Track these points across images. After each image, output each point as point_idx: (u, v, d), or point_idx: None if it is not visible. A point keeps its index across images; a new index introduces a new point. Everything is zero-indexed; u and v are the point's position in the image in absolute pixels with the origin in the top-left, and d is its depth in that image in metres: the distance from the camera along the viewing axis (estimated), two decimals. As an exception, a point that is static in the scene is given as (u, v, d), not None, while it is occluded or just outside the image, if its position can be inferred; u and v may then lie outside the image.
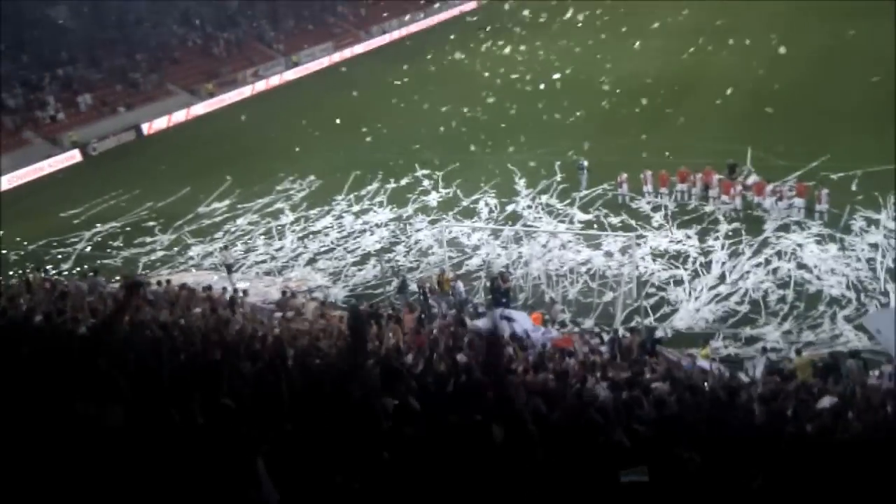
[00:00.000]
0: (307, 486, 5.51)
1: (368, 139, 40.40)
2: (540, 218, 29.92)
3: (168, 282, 22.91)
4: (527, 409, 11.54)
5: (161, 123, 52.99)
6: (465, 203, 32.11)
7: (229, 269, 27.20)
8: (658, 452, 9.46)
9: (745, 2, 62.85)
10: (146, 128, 52.03)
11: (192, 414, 5.34)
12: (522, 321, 19.32)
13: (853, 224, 26.08)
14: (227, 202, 35.24)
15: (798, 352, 18.22)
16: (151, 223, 33.81)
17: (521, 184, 33.12)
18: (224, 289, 22.78)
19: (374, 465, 5.91)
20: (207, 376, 10.53)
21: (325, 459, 5.73)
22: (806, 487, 7.46)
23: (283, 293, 23.13)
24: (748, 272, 24.00)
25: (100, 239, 32.80)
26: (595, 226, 28.36)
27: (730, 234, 26.65)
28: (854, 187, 28.37)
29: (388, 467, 6.04)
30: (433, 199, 32.93)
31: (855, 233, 25.53)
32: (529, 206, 30.98)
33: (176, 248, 31.01)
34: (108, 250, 31.37)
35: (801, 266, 23.95)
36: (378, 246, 29.04)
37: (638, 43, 47.97)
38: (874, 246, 24.47)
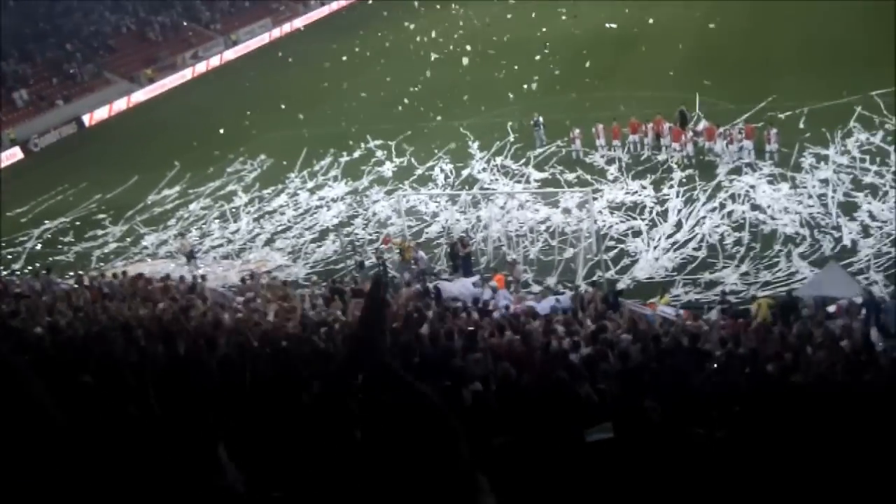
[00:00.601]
0: (276, 468, 5.43)
1: (317, 114, 39.81)
2: (496, 180, 29.86)
3: (124, 273, 22.43)
4: (493, 374, 11.64)
5: (102, 114, 51.70)
6: (420, 171, 31.90)
7: (189, 256, 26.70)
8: (624, 404, 9.57)
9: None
10: (87, 119, 50.73)
11: (150, 405, 5.20)
12: (461, 288, 19.44)
13: (803, 161, 26.45)
14: (177, 188, 34.58)
15: (753, 296, 18.53)
16: (102, 216, 33.07)
17: (474, 147, 32.97)
18: (182, 277, 22.38)
19: (346, 441, 5.84)
20: (169, 368, 10.37)
21: (292, 440, 5.64)
22: (768, 430, 7.57)
23: (243, 279, 22.81)
24: (704, 217, 24.27)
25: (50, 236, 32.03)
26: (551, 184, 28.38)
27: (684, 181, 26.88)
28: (802, 125, 28.74)
29: (360, 443, 5.98)
30: (388, 169, 32.66)
31: (805, 170, 25.92)
32: (485, 169, 30.89)
33: (129, 239, 30.40)
34: (60, 246, 30.65)
35: (754, 207, 24.29)
36: (336, 221, 28.77)
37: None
38: (825, 182, 24.87)
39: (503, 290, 20.29)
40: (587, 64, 38.58)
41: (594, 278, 21.66)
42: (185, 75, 58.37)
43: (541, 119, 32.14)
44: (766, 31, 40.68)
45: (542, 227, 25.05)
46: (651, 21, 44.18)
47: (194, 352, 13.09)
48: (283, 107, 41.04)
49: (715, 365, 12.50)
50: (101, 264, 28.12)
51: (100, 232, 31.49)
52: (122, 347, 13.07)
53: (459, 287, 19.52)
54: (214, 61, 61.17)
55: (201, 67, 59.95)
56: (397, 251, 24.25)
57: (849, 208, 23.18)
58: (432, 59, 41.75)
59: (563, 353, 13.23)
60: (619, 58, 40.49)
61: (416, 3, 53.55)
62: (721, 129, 28.53)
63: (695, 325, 16.03)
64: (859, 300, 17.01)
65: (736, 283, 20.62)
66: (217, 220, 30.70)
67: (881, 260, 20.32)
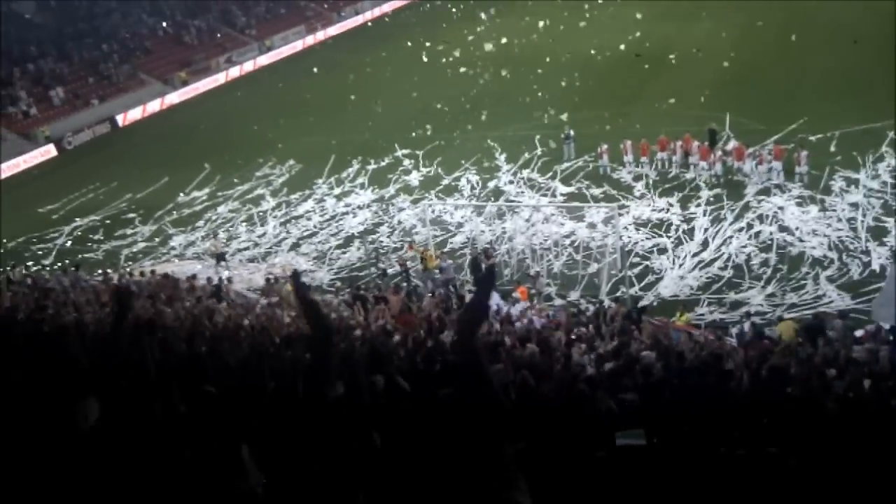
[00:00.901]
0: (294, 469, 5.48)
1: (346, 122, 40.11)
2: (522, 192, 29.88)
3: (152, 272, 22.74)
4: (513, 383, 11.64)
5: (136, 114, 52.39)
6: (446, 181, 32.01)
7: (219, 258, 26.94)
8: (647, 420, 9.54)
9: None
10: (121, 119, 51.44)
11: (174, 404, 5.28)
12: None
13: (833, 185, 26.20)
14: (206, 190, 34.97)
15: (780, 317, 18.35)
16: (131, 215, 33.52)
17: (501, 159, 33.03)
18: (209, 279, 22.65)
19: (364, 445, 5.89)
20: (191, 367, 10.48)
21: (310, 442, 5.69)
22: (792, 451, 7.53)
23: (268, 280, 23.02)
24: (731, 237, 24.11)
25: (80, 233, 32.49)
26: (577, 198, 28.33)
27: (711, 200, 26.73)
28: (833, 148, 28.49)
29: (379, 447, 6.02)
30: (414, 178, 32.81)
31: (835, 193, 25.67)
32: (511, 182, 30.93)
33: (157, 239, 30.78)
34: (89, 244, 31.10)
35: (782, 229, 24.08)
36: (361, 228, 28.95)
37: (614, 15, 47.88)
38: (854, 206, 24.62)
39: (525, 302, 20.32)
40: (619, 80, 38.60)
41: (618, 294, 21.58)
42: (218, 79, 59.04)
43: (572, 133, 32.21)
44: (800, 54, 40.28)
45: (567, 242, 25.01)
46: (684, 40, 44.23)
47: (216, 352, 13.24)
48: (314, 113, 41.45)
49: (738, 384, 12.38)
50: (130, 263, 28.49)
51: (129, 231, 31.91)
52: (146, 345, 13.25)
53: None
54: (248, 66, 61.82)
55: (235, 72, 60.61)
56: (420, 259, 24.35)
57: (878, 233, 22.91)
58: (461, 71, 42.01)
59: (583, 367, 13.24)
60: (650, 75, 40.36)
61: (451, 14, 54.00)
62: (750, 150, 28.35)
63: (719, 344, 15.92)
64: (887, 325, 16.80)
65: (762, 304, 20.45)
66: (244, 224, 30.99)
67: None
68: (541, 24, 46.68)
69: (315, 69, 52.61)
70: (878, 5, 45.42)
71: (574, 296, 22.02)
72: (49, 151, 46.73)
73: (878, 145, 27.99)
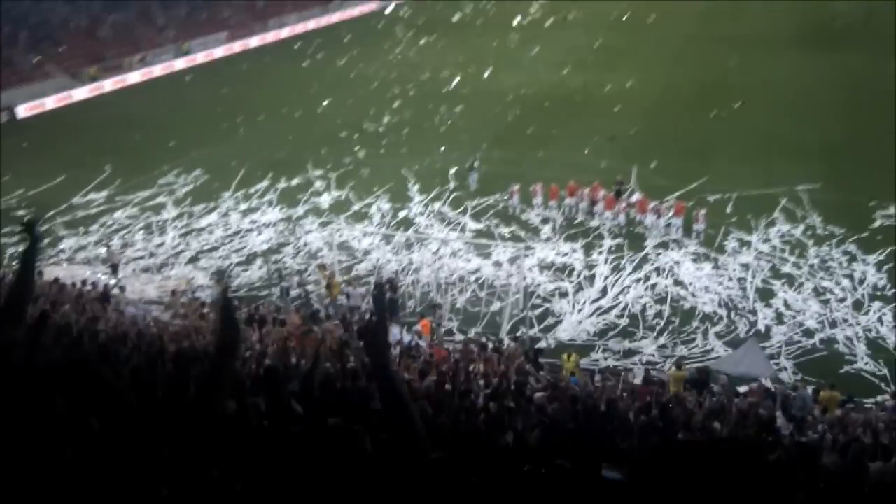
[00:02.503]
0: (185, 486, 5.24)
1: (260, 136, 39.46)
2: (432, 225, 30.00)
3: (40, 274, 21.56)
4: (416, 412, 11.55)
5: (37, 107, 50.03)
6: (357, 207, 31.81)
7: (114, 268, 25.77)
8: (537, 458, 9.60)
9: (640, 29, 65.44)
10: (21, 110, 49.02)
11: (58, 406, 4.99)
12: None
13: (727, 244, 27.40)
14: (104, 193, 33.63)
15: (679, 366, 18.91)
16: (21, 212, 31.77)
17: (414, 190, 33.12)
18: (94, 284, 21.70)
19: (250, 465, 5.69)
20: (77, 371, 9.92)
21: (198, 459, 5.47)
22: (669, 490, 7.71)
23: (173, 292, 22.24)
24: (629, 287, 24.82)
25: (-37, 227, 30.57)
26: (486, 235, 28.65)
27: (613, 248, 27.50)
28: (729, 209, 29.84)
29: (266, 468, 5.83)
30: (325, 200, 32.47)
31: (728, 253, 26.84)
32: (422, 213, 31.02)
33: (47, 240, 29.26)
34: (-27, 238, 29.29)
35: (677, 283, 24.96)
36: (265, 246, 28.37)
37: (535, 58, 49.19)
38: (745, 266, 25.79)
39: (427, 335, 20.30)
40: (535, 122, 39.52)
41: (518, 334, 21.82)
42: (129, 79, 57.18)
43: (476, 164, 32.87)
44: (709, 114, 42.18)
45: (473, 278, 25.21)
46: (599, 88, 45.78)
47: (103, 360, 12.61)
48: (225, 124, 40.62)
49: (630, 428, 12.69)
50: (15, 263, 26.93)
51: (17, 228, 30.14)
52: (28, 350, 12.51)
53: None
54: (162, 69, 60.14)
55: (148, 73, 58.87)
56: (325, 284, 24.02)
57: (765, 295, 24.05)
58: (382, 97, 42.21)
59: (479, 403, 13.27)
60: (567, 121, 41.44)
61: (381, 39, 54.20)
62: (653, 204, 29.39)
63: (612, 389, 16.28)
64: (768, 384, 17.60)
65: (653, 353, 21.08)
66: (142, 232, 29.87)
67: (792, 348, 21.07)
68: (469, 60, 47.66)
69: (232, 78, 51.80)
70: (790, 68, 48.48)
71: (475, 332, 22.12)
72: (-64, 136, 44.00)
73: (771, 210, 29.50)
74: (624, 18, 66.31)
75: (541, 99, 44.58)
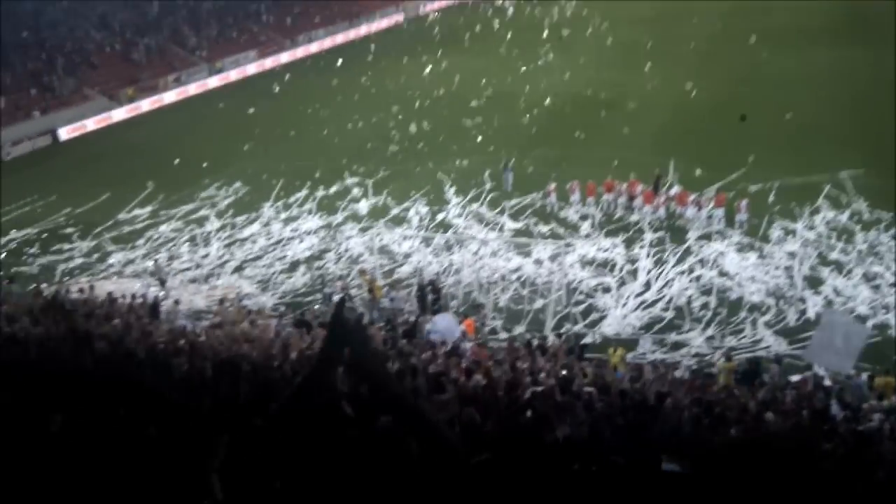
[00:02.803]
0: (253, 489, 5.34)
1: (296, 147, 39.89)
2: (470, 226, 30.03)
3: (91, 288, 22.07)
4: (458, 417, 11.56)
5: (79, 129, 51.17)
6: (395, 211, 31.99)
7: (162, 282, 26.26)
8: (588, 454, 9.58)
9: (671, 25, 64.91)
10: (63, 133, 50.19)
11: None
12: (445, 327, 19.35)
13: (771, 233, 27.00)
14: (149, 208, 34.28)
15: (729, 357, 18.64)
16: (70, 230, 32.57)
17: (451, 192, 33.19)
18: (145, 296, 22.14)
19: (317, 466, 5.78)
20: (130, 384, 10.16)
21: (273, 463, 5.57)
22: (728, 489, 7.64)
23: (221, 302, 22.60)
24: (672, 280, 24.58)
25: (15, 246, 31.41)
26: (525, 234, 28.59)
27: (654, 242, 27.26)
28: (771, 198, 29.40)
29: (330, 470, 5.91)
30: (363, 206, 32.71)
31: (773, 242, 26.44)
32: (460, 215, 31.08)
33: (95, 255, 29.93)
34: (24, 257, 30.07)
35: (722, 274, 24.66)
36: (307, 253, 28.66)
37: (565, 59, 49.03)
38: (791, 255, 25.38)
39: (471, 335, 20.32)
40: (569, 121, 39.40)
41: (562, 330, 21.74)
42: (165, 98, 58.22)
43: (511, 164, 33.05)
44: (745, 106, 41.63)
45: (514, 277, 25.18)
46: (633, 86, 45.49)
47: (155, 370, 12.88)
48: (262, 137, 41.16)
49: (680, 423, 12.54)
50: (66, 278, 27.62)
51: (66, 246, 30.97)
52: (81, 360, 12.81)
53: (447, 323, 19.47)
54: (196, 87, 61.14)
55: (183, 92, 59.88)
56: (367, 289, 24.19)
57: (814, 282, 23.64)
58: (416, 103, 42.38)
59: (528, 400, 13.24)
60: (600, 118, 41.22)
61: (409, 48, 54.50)
62: (693, 196, 29.09)
63: (660, 382, 16.10)
64: (822, 372, 17.27)
65: (701, 345, 20.83)
66: (187, 244, 30.39)
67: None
68: (499, 62, 47.68)
69: (265, 93, 52.47)
70: (823, 59, 47.80)
71: (519, 330, 22.09)
72: (-15, 161, 45.29)
73: (815, 198, 29.01)
74: (654, 15, 65.80)
75: (574, 98, 44.41)
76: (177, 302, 22.34)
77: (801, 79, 45.54)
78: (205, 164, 38.65)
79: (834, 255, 25.10)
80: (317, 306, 24.09)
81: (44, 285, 23.40)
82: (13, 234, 32.49)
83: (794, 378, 17.56)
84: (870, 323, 20.95)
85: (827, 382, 17.11)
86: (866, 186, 29.51)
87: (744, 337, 21.20)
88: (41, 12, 62.12)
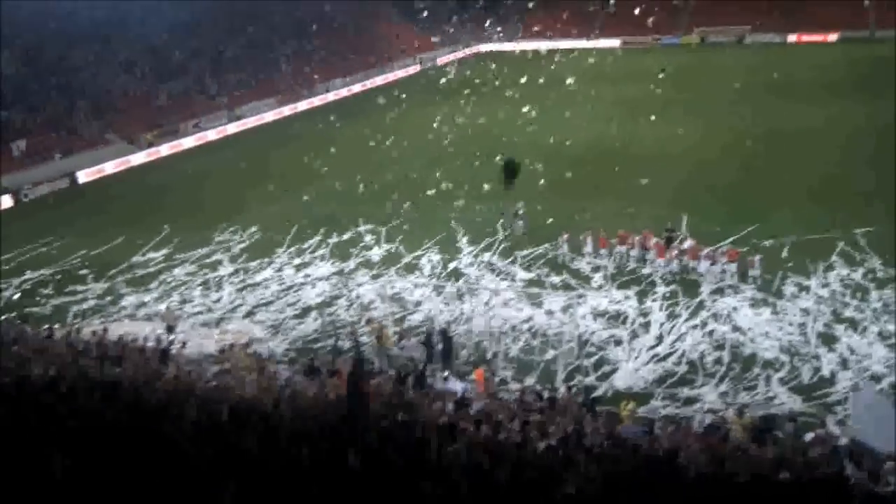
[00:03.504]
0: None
1: (311, 193, 40.26)
2: (482, 276, 30.04)
3: (105, 331, 22.13)
4: (468, 465, 11.44)
5: (98, 172, 51.95)
6: (407, 259, 32.09)
7: (171, 329, 26.29)
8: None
9: (689, 78, 65.76)
10: (82, 176, 50.92)
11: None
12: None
13: (785, 289, 26.84)
14: (163, 252, 34.56)
15: (740, 413, 18.40)
16: (84, 271, 32.85)
17: (463, 241, 33.30)
18: (158, 339, 22.16)
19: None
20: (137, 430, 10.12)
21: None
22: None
23: (222, 350, 22.56)
24: (685, 333, 24.41)
25: (29, 286, 31.65)
26: (536, 285, 28.54)
27: (667, 295, 27.14)
28: (785, 254, 29.31)
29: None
30: (375, 254, 32.84)
31: (786, 297, 26.27)
32: (472, 264, 31.12)
33: (109, 298, 30.09)
34: (38, 298, 30.27)
35: (735, 329, 24.47)
36: (319, 299, 28.69)
37: (583, 110, 49.61)
38: (805, 311, 25.19)
39: (481, 385, 20.20)
40: (583, 173, 39.69)
41: (573, 382, 21.55)
42: (184, 143, 59.12)
43: (521, 211, 33.54)
44: (760, 161, 42.00)
45: (525, 327, 25.08)
46: (649, 140, 45.85)
47: (161, 416, 12.82)
48: (278, 183, 41.61)
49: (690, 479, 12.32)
50: (78, 320, 27.73)
51: (80, 287, 31.19)
52: (92, 404, 12.79)
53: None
54: (216, 133, 62.09)
55: (202, 137, 60.80)
56: (375, 336, 24.12)
57: (828, 339, 23.41)
58: (431, 152, 42.80)
59: (537, 453, 13.10)
60: (614, 170, 41.44)
61: (425, 96, 55.18)
62: (706, 251, 29.04)
63: (672, 439, 15.89)
64: (837, 432, 16.99)
65: (714, 401, 20.57)
66: (199, 288, 30.52)
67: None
68: (516, 113, 48.18)
69: (283, 140, 53.24)
70: (839, 114, 48.14)
71: (530, 381, 21.92)
72: (4, 202, 45.89)
73: (829, 254, 28.90)
74: (672, 69, 66.67)
75: (588, 149, 44.76)
76: (183, 345, 22.30)
77: (818, 133, 45.83)
78: (220, 209, 39.08)
79: (848, 313, 24.89)
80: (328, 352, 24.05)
81: (56, 326, 23.51)
82: (28, 274, 32.79)
83: (809, 436, 17.24)
84: (885, 382, 20.69)
85: (842, 442, 16.82)
86: (880, 243, 29.39)
87: (757, 393, 20.93)
88: (65, 57, 63.52)
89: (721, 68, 71.91)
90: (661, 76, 54.61)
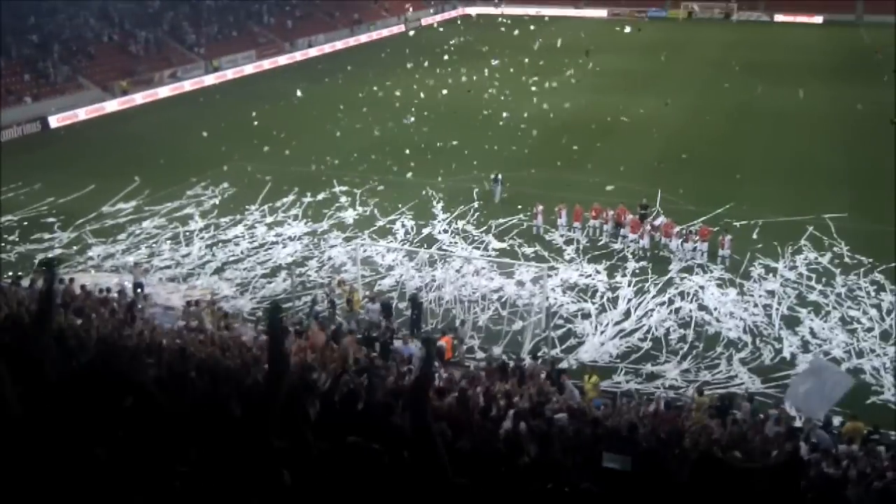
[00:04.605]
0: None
1: (287, 151, 39.82)
2: (455, 243, 30.03)
3: (71, 281, 21.82)
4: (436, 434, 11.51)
5: (70, 118, 50.85)
6: (381, 223, 31.96)
7: (139, 286, 25.96)
8: (559, 480, 9.54)
9: (672, 54, 65.62)
10: (53, 120, 49.85)
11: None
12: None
13: (752, 271, 27.16)
14: (133, 203, 34.06)
15: (700, 391, 18.70)
16: (51, 219, 32.29)
17: (438, 208, 33.21)
18: (121, 292, 21.94)
19: (274, 484, 5.71)
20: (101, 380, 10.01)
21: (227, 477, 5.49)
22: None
23: (188, 303, 22.37)
24: (652, 310, 24.66)
25: (-6, 232, 31.11)
26: (509, 255, 28.61)
27: (637, 271, 27.35)
28: (755, 235, 29.63)
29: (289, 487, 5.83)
30: (349, 216, 32.66)
31: (754, 279, 26.60)
32: (445, 231, 31.08)
33: (76, 247, 29.67)
34: (3, 244, 29.75)
35: (702, 307, 24.76)
36: (290, 259, 28.54)
37: (564, 81, 49.38)
38: (771, 293, 25.53)
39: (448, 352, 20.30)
40: (561, 143, 39.64)
41: (539, 353, 21.72)
42: (160, 93, 58.03)
43: (500, 176, 33.83)
44: (736, 141, 42.26)
45: (495, 296, 25.16)
46: (629, 113, 45.83)
47: (129, 368, 12.70)
48: (253, 139, 41.09)
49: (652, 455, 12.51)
50: (41, 269, 27.30)
51: (46, 235, 30.70)
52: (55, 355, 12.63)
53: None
54: (192, 84, 60.98)
55: (178, 88, 59.72)
56: (346, 299, 24.09)
57: (791, 322, 23.78)
58: (409, 116, 42.43)
59: (500, 421, 13.23)
60: (592, 143, 41.47)
61: (406, 59, 54.58)
62: (678, 228, 29.25)
63: (633, 412, 16.12)
64: (793, 413, 17.33)
65: (676, 378, 20.88)
66: (169, 241, 30.20)
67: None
68: (495, 80, 47.83)
69: (260, 95, 52.46)
70: (819, 97, 48.48)
71: (497, 351, 22.05)
72: (-29, 144, 44.86)
73: (798, 238, 29.24)
74: (652, 45, 66.55)
75: (566, 122, 44.65)
76: (145, 297, 22.11)
77: (796, 115, 46.13)
78: (192, 162, 38.54)
79: (813, 297, 25.27)
80: (299, 312, 24.00)
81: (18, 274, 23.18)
82: (-7, 219, 32.19)
83: (770, 414, 17.55)
84: (843, 367, 21.09)
85: (797, 424, 17.18)
86: (849, 229, 29.79)
87: (719, 372, 21.27)
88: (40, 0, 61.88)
89: (706, 43, 71.89)
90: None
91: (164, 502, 4.60)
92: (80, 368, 11.26)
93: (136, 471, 4.65)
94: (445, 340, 20.70)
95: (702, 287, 26.08)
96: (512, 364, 19.97)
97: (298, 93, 46.46)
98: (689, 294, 25.67)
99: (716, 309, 24.64)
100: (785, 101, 49.26)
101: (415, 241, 30.20)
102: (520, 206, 32.46)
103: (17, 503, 4.00)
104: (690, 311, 24.56)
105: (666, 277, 26.85)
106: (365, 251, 27.85)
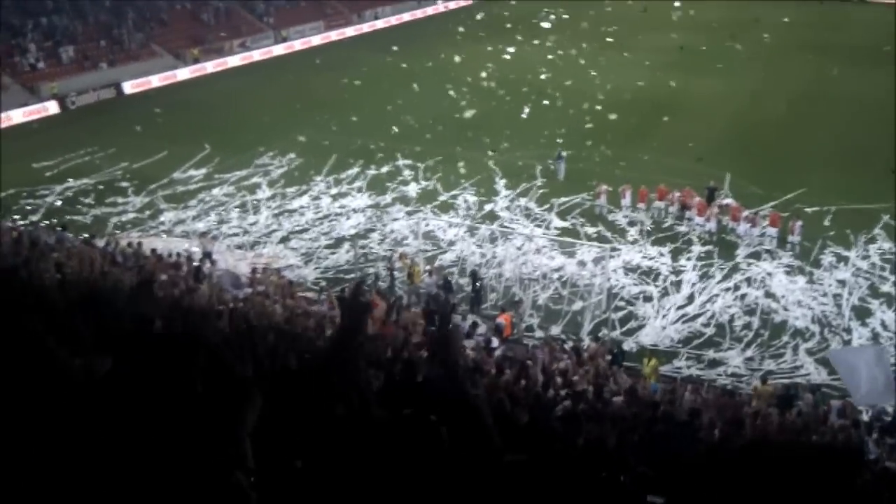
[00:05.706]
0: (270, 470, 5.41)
1: (353, 123, 40.11)
2: (517, 220, 29.94)
3: (139, 244, 22.55)
4: (488, 406, 11.59)
5: (143, 84, 52.12)
6: (443, 197, 32.03)
7: (207, 255, 26.65)
8: (615, 465, 9.53)
9: (738, 33, 63.62)
10: (127, 87, 51.18)
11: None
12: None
13: (823, 259, 26.42)
14: (203, 170, 34.85)
15: (764, 380, 18.38)
16: (125, 184, 33.30)
17: (501, 184, 33.10)
18: (190, 257, 22.60)
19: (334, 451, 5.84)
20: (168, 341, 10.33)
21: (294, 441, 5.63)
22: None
23: (254, 271, 22.90)
24: (717, 295, 24.23)
25: (71, 194, 32.23)
26: (571, 234, 28.39)
27: (702, 255, 26.87)
28: (827, 223, 28.75)
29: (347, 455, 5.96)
30: (412, 189, 32.83)
31: (824, 267, 25.88)
32: (507, 208, 30.99)
33: (148, 212, 30.57)
34: (79, 206, 30.84)
35: (768, 295, 24.22)
36: (353, 231, 28.89)
37: (630, 58, 48.44)
38: (842, 283, 24.82)
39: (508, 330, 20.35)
40: (628, 124, 39.00)
41: (599, 335, 21.61)
42: (230, 62, 58.94)
43: (564, 154, 33.50)
44: (809, 124, 40.90)
45: (555, 276, 25.05)
46: (696, 93, 44.76)
47: (196, 329, 13.09)
48: (321, 110, 41.49)
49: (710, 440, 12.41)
50: (117, 231, 28.27)
51: (120, 199, 31.68)
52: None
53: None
54: (261, 54, 61.77)
55: (248, 57, 60.55)
56: (406, 273, 24.33)
57: (862, 313, 23.11)
58: (476, 91, 42.23)
59: (556, 403, 13.24)
60: (659, 123, 40.66)
61: (476, 34, 54.19)
62: (746, 212, 28.59)
63: (693, 400, 15.97)
64: (862, 406, 16.91)
65: (739, 366, 20.54)
66: (237, 209, 30.86)
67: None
68: (562, 59, 47.19)
69: (328, 66, 52.80)
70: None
71: (555, 330, 22.01)
72: (50, 108, 46.41)
73: (872, 226, 28.29)
74: (720, 23, 64.58)
75: (633, 101, 43.79)
76: (213, 262, 22.69)
77: (873, 100, 44.31)
78: (261, 131, 39.15)
79: (886, 288, 24.48)
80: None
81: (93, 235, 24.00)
82: (70, 181, 33.31)
83: (834, 405, 17.15)
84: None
85: (864, 417, 16.77)
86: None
87: (783, 362, 20.84)
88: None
89: (778, 25, 69.48)
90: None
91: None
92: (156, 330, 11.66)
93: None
94: (505, 318, 20.74)
95: (769, 274, 25.50)
96: (571, 344, 19.95)
97: (394, 48, 46.19)
98: (755, 280, 25.13)
99: (783, 297, 24.08)
100: (861, 85, 47.37)
101: (476, 217, 30.19)
102: (583, 185, 32.09)
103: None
104: (756, 297, 24.06)
105: (732, 263, 26.32)
106: (427, 225, 27.99)
